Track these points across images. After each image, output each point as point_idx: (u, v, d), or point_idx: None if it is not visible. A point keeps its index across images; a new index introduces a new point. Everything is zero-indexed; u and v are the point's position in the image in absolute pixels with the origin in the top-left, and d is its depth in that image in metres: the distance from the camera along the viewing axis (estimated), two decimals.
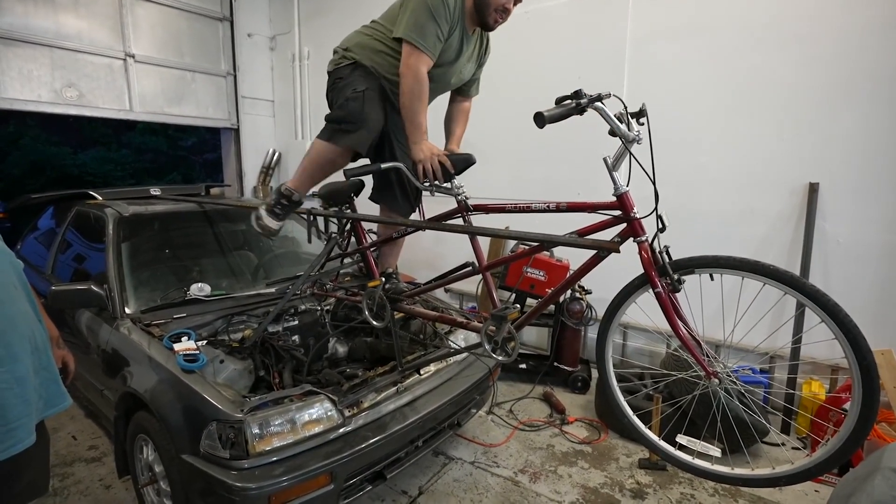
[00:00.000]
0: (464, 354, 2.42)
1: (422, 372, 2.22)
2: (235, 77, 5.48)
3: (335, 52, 2.09)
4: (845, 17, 2.71)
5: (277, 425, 1.70)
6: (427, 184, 1.78)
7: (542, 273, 3.35)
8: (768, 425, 2.55)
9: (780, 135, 2.97)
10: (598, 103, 1.23)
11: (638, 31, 3.39)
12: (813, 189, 2.88)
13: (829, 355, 2.94)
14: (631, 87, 3.44)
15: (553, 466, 2.51)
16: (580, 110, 1.24)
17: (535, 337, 4.10)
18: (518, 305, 1.57)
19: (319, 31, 5.34)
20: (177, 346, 1.91)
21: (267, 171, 5.93)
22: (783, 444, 2.74)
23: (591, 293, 3.38)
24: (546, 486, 2.35)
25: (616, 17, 3.44)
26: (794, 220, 2.98)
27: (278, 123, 5.99)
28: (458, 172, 1.76)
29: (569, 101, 1.24)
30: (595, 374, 3.38)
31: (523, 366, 3.55)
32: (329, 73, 2.09)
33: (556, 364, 3.47)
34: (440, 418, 2.12)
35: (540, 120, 1.22)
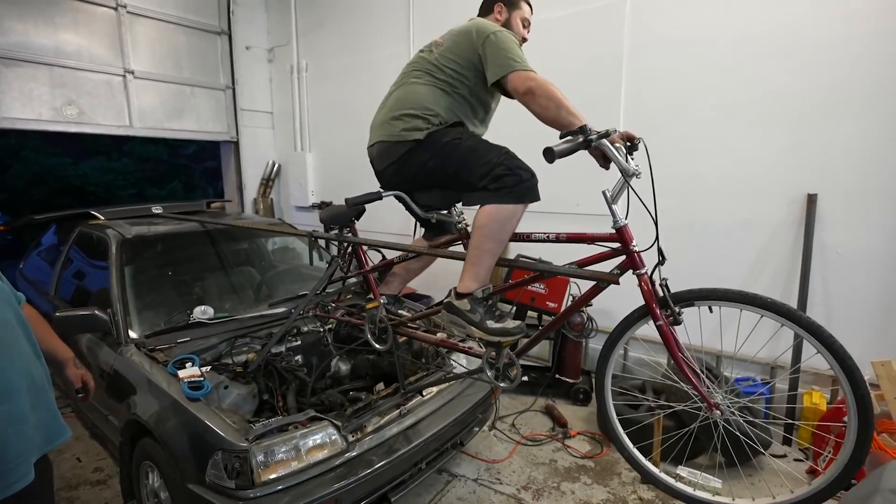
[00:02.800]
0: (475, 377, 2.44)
1: (424, 393, 2.23)
2: (234, 90, 5.50)
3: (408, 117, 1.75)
4: (842, 28, 2.72)
5: (283, 453, 1.71)
6: (430, 214, 1.82)
7: (542, 287, 3.36)
8: (770, 439, 2.56)
9: (779, 145, 2.98)
10: (604, 140, 1.25)
11: (635, 41, 3.40)
12: (811, 200, 2.89)
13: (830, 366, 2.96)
14: (628, 98, 3.46)
15: (556, 482, 2.52)
16: (587, 145, 1.26)
17: (536, 348, 4.10)
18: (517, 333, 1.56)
19: (317, 43, 5.36)
20: (181, 373, 1.92)
21: (267, 182, 5.95)
22: (785, 456, 2.75)
23: (591, 305, 3.38)
24: None
25: (613, 29, 3.46)
26: (793, 231, 2.99)
27: (277, 135, 6.01)
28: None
29: (575, 136, 1.26)
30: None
31: (525, 378, 3.55)
32: (420, 140, 1.73)
33: (557, 376, 3.48)
34: (444, 439, 2.13)
35: (550, 155, 1.23)
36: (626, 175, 1.30)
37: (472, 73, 1.73)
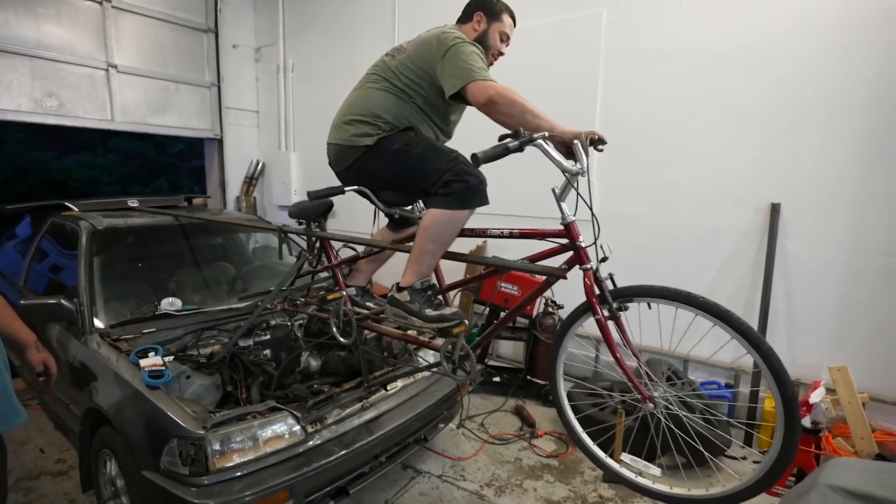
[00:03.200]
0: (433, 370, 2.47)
1: (388, 388, 2.26)
2: (220, 88, 5.50)
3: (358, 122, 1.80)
4: (807, 46, 2.82)
5: (239, 442, 1.73)
6: (391, 208, 1.86)
7: (515, 288, 3.41)
8: (730, 438, 2.62)
9: (747, 156, 3.07)
10: (541, 141, 1.29)
11: (611, 52, 3.49)
12: (775, 209, 2.98)
13: (792, 371, 3.04)
14: (603, 106, 3.54)
15: (519, 480, 2.55)
16: (518, 149, 1.29)
17: (511, 350, 4.15)
18: (466, 321, 1.62)
19: (304, 43, 5.40)
20: (143, 362, 1.93)
21: (250, 181, 5.95)
22: (745, 458, 2.81)
23: (563, 308, 3.45)
24: (510, 500, 2.39)
25: (591, 39, 3.54)
26: (757, 238, 3.08)
27: (262, 134, 6.02)
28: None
29: (507, 141, 1.30)
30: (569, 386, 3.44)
31: (497, 379, 3.60)
32: (370, 146, 1.77)
33: (529, 377, 3.52)
34: (406, 433, 2.16)
35: (475, 160, 1.28)
36: (565, 173, 1.35)
37: (428, 84, 1.74)
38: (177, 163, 14.44)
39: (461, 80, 1.61)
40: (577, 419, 1.62)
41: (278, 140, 5.75)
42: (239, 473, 1.67)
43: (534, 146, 1.30)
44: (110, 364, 2.00)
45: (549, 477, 2.59)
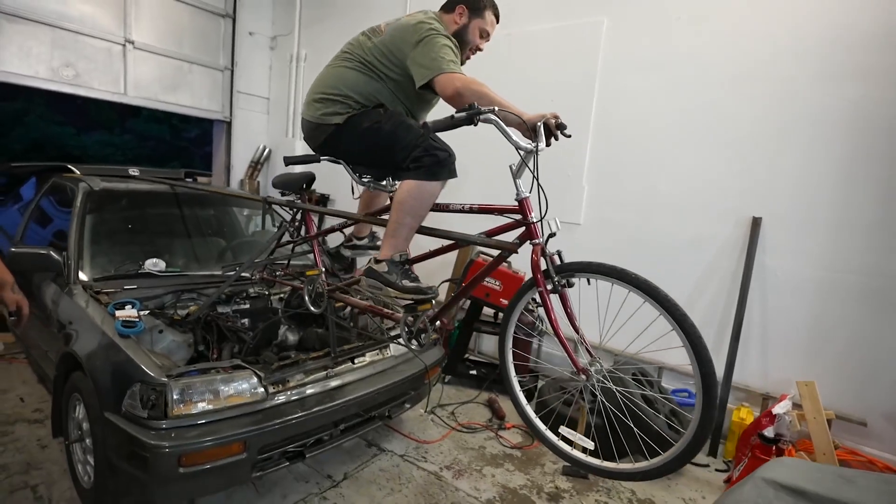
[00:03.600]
0: (403, 351, 2.53)
1: (356, 361, 2.32)
2: (233, 72, 5.65)
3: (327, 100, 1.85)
4: (794, 65, 2.87)
5: (199, 393, 1.79)
6: (367, 180, 1.92)
7: (497, 283, 3.46)
8: (676, 426, 2.65)
9: (730, 168, 3.11)
10: (492, 115, 1.34)
11: (608, 60, 3.56)
12: (756, 223, 3.01)
13: (762, 385, 3.06)
14: (598, 112, 3.60)
15: (479, 466, 2.59)
16: (467, 121, 1.33)
17: (493, 346, 4.19)
18: (433, 298, 1.68)
19: (319, 35, 5.53)
20: (118, 313, 2.01)
21: (255, 165, 6.07)
22: (708, 466, 2.83)
23: (541, 306, 3.49)
24: (467, 483, 2.43)
25: (590, 46, 3.61)
26: (737, 251, 3.11)
27: (271, 121, 6.15)
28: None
29: (459, 114, 1.34)
30: (541, 384, 3.47)
31: (473, 372, 3.64)
32: (340, 125, 1.83)
33: None
34: (367, 405, 2.21)
35: (426, 128, 1.34)
36: (519, 150, 1.41)
37: (401, 70, 1.78)
38: (190, 147, 14.71)
39: (431, 71, 1.66)
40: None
41: (286, 127, 5.88)
42: (197, 422, 1.74)
43: (485, 121, 1.35)
44: (88, 313, 2.09)
45: (509, 466, 2.63)
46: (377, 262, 1.76)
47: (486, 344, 4.26)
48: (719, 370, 3.00)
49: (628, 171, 3.48)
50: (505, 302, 3.49)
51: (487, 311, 3.81)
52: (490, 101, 1.52)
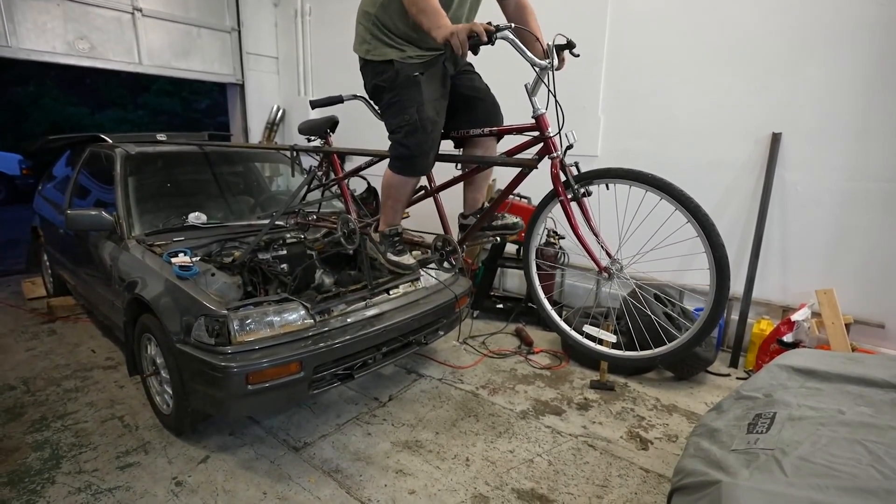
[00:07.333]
0: (434, 283, 2.70)
1: (390, 293, 2.49)
2: (240, 32, 5.65)
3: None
4: None
5: (256, 323, 1.99)
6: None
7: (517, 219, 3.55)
8: (711, 358, 2.80)
9: (748, 86, 3.07)
10: (508, 32, 1.40)
11: None
12: (776, 139, 3.00)
13: (782, 298, 3.15)
14: (611, 40, 3.54)
15: (512, 384, 2.80)
16: (489, 41, 1.38)
17: (517, 283, 4.35)
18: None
19: None
20: (174, 260, 2.21)
21: (272, 127, 6.15)
22: (729, 375, 2.99)
23: (564, 238, 3.60)
24: (502, 398, 2.64)
25: None
26: (757, 170, 3.12)
27: (282, 80, 6.16)
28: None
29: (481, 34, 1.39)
30: (566, 313, 3.63)
31: (500, 306, 3.81)
32: (365, 59, 1.83)
33: (530, 304, 3.72)
34: (404, 331, 2.39)
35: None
36: (535, 67, 1.48)
37: None
38: (203, 119, 14.81)
39: None
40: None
41: (297, 86, 5.90)
42: (258, 347, 1.94)
43: (504, 39, 1.40)
44: (146, 262, 2.29)
45: (539, 383, 2.83)
46: (377, 232, 2.03)
47: (510, 281, 4.41)
48: (739, 287, 3.11)
49: (644, 98, 3.46)
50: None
51: (510, 248, 3.95)
52: (421, 7, 1.48)
